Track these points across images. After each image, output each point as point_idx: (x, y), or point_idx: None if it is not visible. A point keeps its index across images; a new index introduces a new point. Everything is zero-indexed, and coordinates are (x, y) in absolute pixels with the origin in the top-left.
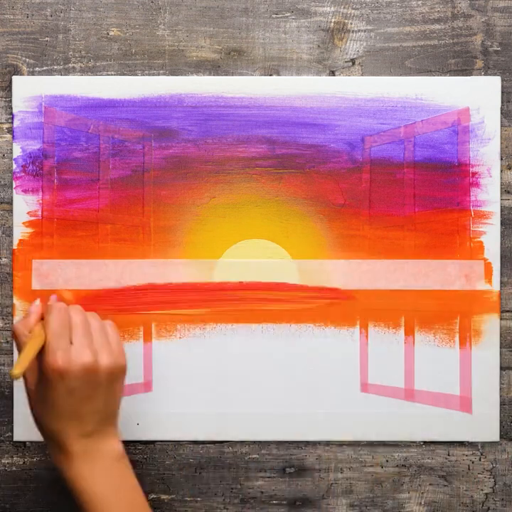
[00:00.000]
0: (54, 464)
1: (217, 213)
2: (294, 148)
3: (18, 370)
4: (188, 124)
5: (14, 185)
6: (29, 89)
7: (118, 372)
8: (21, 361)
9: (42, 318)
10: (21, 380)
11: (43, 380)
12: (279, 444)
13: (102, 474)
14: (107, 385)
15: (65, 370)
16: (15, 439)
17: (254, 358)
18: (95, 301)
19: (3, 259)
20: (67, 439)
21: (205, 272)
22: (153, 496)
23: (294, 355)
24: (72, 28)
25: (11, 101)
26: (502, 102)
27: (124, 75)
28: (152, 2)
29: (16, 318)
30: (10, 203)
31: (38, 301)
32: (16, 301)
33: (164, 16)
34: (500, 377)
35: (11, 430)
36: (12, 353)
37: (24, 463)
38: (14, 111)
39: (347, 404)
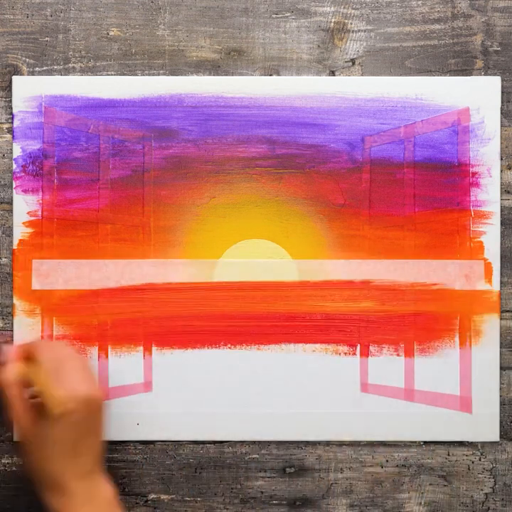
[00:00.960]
0: None
1: (217, 213)
2: (294, 148)
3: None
4: (188, 124)
5: (14, 185)
6: (29, 89)
7: (102, 405)
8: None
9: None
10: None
11: (42, 421)
12: (279, 444)
13: None
14: (98, 417)
15: (66, 404)
16: (15, 439)
17: (254, 357)
18: (95, 301)
19: (3, 259)
20: (68, 480)
21: (205, 271)
22: (153, 496)
23: (293, 355)
24: (72, 28)
25: (11, 101)
26: (502, 102)
27: (124, 75)
28: (152, 2)
29: (16, 319)
30: (10, 203)
31: (9, 348)
32: (15, 301)
33: (164, 16)
34: (500, 377)
35: (11, 430)
36: None
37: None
38: (14, 111)
39: (347, 404)
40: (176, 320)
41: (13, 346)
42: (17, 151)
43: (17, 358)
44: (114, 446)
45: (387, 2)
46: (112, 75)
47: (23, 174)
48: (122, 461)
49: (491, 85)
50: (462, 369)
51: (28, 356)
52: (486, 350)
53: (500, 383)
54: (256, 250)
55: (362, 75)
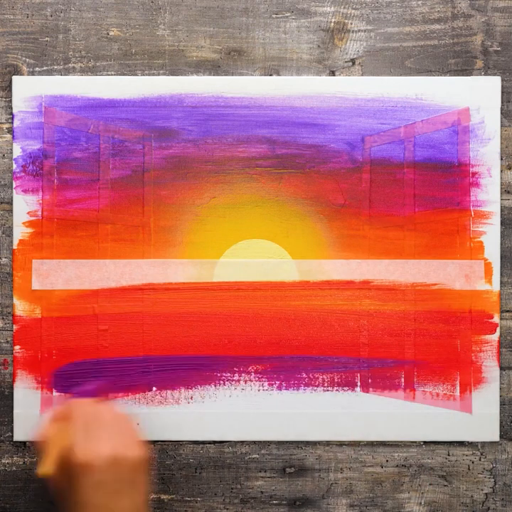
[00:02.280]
0: None
1: (217, 213)
2: (294, 148)
3: (44, 468)
4: (188, 124)
5: (14, 185)
6: (29, 89)
7: (139, 465)
8: (46, 460)
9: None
10: None
11: (71, 478)
12: (279, 444)
13: None
14: (129, 478)
15: (88, 463)
16: (15, 439)
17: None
18: (95, 301)
19: (3, 259)
20: None
21: (205, 271)
22: (153, 495)
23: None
24: (72, 28)
25: (11, 101)
26: (502, 102)
27: (124, 75)
28: (152, 2)
29: (16, 318)
30: (10, 203)
31: (55, 407)
32: (16, 301)
33: (164, 16)
34: (500, 377)
35: (11, 430)
36: (12, 353)
37: (24, 463)
38: (14, 111)
39: (347, 404)
40: (176, 321)
41: (52, 410)
42: (17, 151)
43: (53, 420)
44: None
45: (387, 2)
46: (111, 75)
47: (23, 174)
48: None
49: (491, 85)
50: (462, 369)
51: (65, 416)
52: (486, 350)
53: (500, 383)
54: (256, 250)
55: (362, 75)
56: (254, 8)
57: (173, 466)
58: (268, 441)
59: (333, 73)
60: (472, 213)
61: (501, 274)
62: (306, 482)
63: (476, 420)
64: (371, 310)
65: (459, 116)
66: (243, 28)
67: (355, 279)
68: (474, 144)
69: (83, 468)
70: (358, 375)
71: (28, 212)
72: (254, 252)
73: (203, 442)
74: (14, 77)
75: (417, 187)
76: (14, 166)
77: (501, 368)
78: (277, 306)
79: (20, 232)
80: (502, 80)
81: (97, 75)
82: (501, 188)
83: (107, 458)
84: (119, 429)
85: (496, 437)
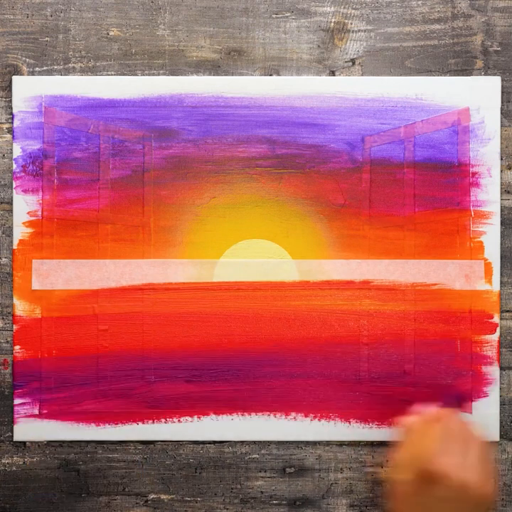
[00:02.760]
0: None
1: (217, 213)
2: (294, 148)
3: (401, 474)
4: (188, 124)
5: (14, 185)
6: (29, 89)
7: (484, 502)
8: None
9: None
10: None
11: (419, 480)
12: (279, 444)
13: None
14: (472, 508)
15: (442, 476)
16: (15, 439)
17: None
18: (95, 301)
19: (3, 259)
20: None
21: (205, 271)
22: (153, 496)
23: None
24: (72, 28)
25: (11, 101)
26: (502, 102)
27: (124, 75)
28: (152, 2)
29: (16, 318)
30: (10, 203)
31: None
32: (16, 301)
33: (164, 16)
34: (500, 377)
35: (11, 430)
36: (12, 353)
37: (24, 463)
38: (14, 111)
39: (347, 404)
40: (176, 321)
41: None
42: (17, 151)
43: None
44: (114, 446)
45: (387, 2)
46: (112, 75)
47: (23, 174)
48: (122, 461)
49: (491, 85)
50: (462, 368)
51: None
52: (486, 350)
53: (500, 383)
54: (256, 250)
55: (362, 75)
56: (254, 8)
57: (173, 466)
58: (268, 441)
59: (333, 73)
60: (472, 213)
61: (501, 274)
62: (306, 482)
63: (476, 420)
64: (371, 310)
65: (459, 116)
66: (243, 28)
67: (355, 279)
68: (474, 144)
69: (436, 478)
70: (358, 374)
71: (28, 212)
72: (254, 252)
73: (203, 442)
74: (14, 77)
75: (417, 187)
76: (14, 166)
77: (501, 368)
78: (277, 306)
79: (20, 232)
80: (502, 80)
81: (97, 75)
82: (501, 188)
83: (461, 481)
84: (481, 455)
85: (496, 437)
